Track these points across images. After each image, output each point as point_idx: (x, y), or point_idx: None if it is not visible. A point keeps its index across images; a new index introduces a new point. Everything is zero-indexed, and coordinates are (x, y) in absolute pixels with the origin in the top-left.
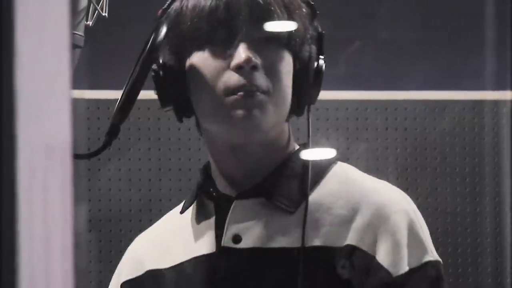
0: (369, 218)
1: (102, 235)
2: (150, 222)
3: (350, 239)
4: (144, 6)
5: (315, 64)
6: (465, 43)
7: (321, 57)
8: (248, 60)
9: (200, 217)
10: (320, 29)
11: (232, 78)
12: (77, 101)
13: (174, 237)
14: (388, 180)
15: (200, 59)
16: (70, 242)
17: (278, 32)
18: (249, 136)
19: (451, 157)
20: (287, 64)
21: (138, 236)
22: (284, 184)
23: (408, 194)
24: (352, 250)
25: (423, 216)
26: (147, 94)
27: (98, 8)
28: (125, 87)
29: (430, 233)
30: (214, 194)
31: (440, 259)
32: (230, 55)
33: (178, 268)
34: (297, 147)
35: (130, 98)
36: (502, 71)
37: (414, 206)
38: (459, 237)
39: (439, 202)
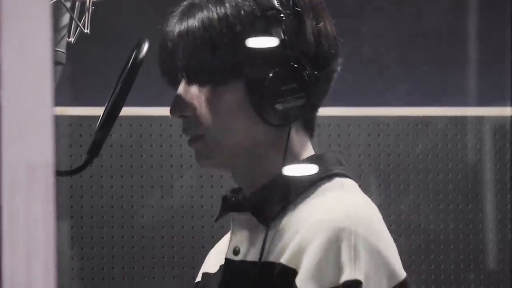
0: (303, 236)
1: (84, 252)
2: (133, 238)
3: (284, 258)
4: (126, 23)
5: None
6: (448, 59)
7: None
8: (172, 111)
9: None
10: (282, 36)
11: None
12: (59, 118)
13: (224, 243)
14: (370, 197)
15: None
16: (53, 259)
17: (217, 63)
18: (211, 168)
19: (434, 174)
20: (231, 94)
21: None
22: (267, 199)
23: (391, 211)
24: (283, 268)
25: (406, 232)
26: (130, 111)
27: (80, 25)
28: (107, 104)
29: (413, 250)
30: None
31: (360, 279)
32: None
33: (213, 275)
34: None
35: (112, 115)
36: (485, 87)
37: (363, 225)
38: (442, 254)
39: (421, 218)
